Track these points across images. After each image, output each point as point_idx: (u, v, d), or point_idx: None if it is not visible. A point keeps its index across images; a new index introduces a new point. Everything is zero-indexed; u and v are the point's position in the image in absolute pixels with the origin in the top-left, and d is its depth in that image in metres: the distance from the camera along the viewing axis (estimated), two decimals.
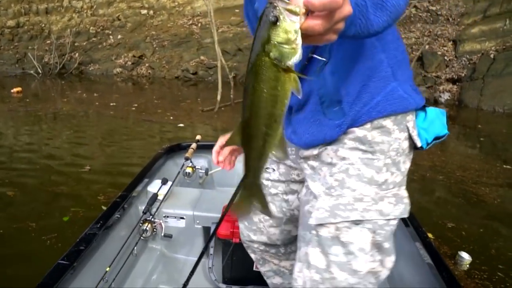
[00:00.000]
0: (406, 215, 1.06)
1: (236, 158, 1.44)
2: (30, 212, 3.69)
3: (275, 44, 0.63)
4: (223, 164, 1.41)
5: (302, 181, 1.28)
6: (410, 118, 1.07)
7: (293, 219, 1.39)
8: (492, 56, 10.28)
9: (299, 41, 0.63)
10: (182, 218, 2.22)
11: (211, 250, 2.12)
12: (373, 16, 0.77)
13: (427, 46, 11.24)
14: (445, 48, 11.29)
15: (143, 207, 2.13)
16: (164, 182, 2.28)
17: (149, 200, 2.14)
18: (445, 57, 11.02)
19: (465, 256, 2.95)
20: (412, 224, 1.84)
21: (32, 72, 14.50)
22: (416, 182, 4.64)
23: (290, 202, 1.37)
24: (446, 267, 1.52)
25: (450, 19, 12.19)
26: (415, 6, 12.54)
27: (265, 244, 1.50)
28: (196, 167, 2.65)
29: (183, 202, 2.28)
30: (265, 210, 0.92)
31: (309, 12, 0.62)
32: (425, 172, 4.93)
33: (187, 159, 2.56)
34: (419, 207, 3.82)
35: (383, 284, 1.88)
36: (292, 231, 1.43)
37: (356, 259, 1.03)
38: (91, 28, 16.52)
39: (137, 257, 2.12)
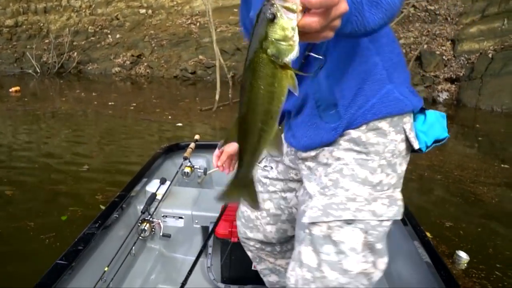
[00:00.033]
0: (399, 217, 1.07)
1: (235, 162, 1.47)
2: (28, 211, 3.69)
3: (273, 41, 0.64)
4: (222, 167, 1.55)
5: (300, 180, 1.29)
6: (407, 120, 1.07)
7: (290, 218, 1.40)
8: (490, 55, 10.30)
9: (296, 38, 0.63)
10: (180, 217, 2.22)
11: (210, 250, 2.13)
12: (369, 13, 0.78)
13: (425, 46, 11.26)
14: (444, 48, 11.31)
15: (142, 207, 2.13)
16: (163, 181, 2.29)
17: (148, 199, 2.15)
18: (444, 57, 11.03)
19: (463, 255, 2.96)
20: (410, 222, 1.85)
21: (30, 71, 14.47)
22: (414, 181, 4.66)
23: (288, 200, 1.39)
24: (444, 265, 1.53)
25: (449, 18, 12.21)
26: (413, 6, 12.55)
27: (261, 242, 1.51)
28: (195, 166, 2.65)
29: (182, 201, 2.28)
30: (254, 203, 0.94)
31: (306, 9, 0.63)
32: (423, 171, 4.94)
33: (185, 158, 2.56)
34: (417, 206, 3.83)
35: (382, 282, 1.89)
36: (289, 230, 1.44)
37: (347, 259, 1.03)
38: (90, 27, 16.50)
39: (136, 257, 2.12)
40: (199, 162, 2.80)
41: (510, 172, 5.15)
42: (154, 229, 2.16)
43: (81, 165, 5.03)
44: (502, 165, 5.40)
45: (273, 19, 0.62)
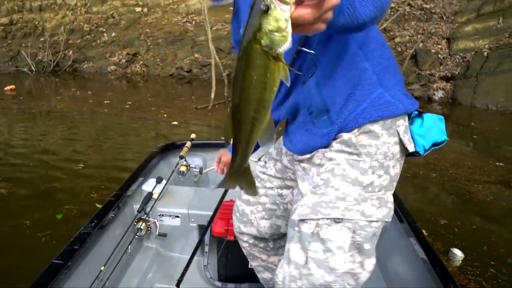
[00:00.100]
0: (388, 220, 1.08)
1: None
2: (24, 209, 3.68)
3: (266, 32, 0.65)
4: (222, 171, 1.71)
5: (296, 180, 1.30)
6: (401, 123, 1.08)
7: (285, 214, 1.42)
8: (485, 54, 10.33)
9: (290, 29, 0.64)
10: (177, 216, 2.22)
11: (206, 248, 2.13)
12: (359, 6, 0.80)
13: (421, 44, 11.29)
14: (439, 46, 11.34)
15: (138, 206, 2.13)
16: (159, 181, 2.29)
17: (144, 199, 2.15)
18: (439, 55, 11.07)
19: (458, 252, 2.98)
20: (406, 220, 1.86)
21: (25, 69, 14.41)
22: (409, 179, 4.67)
23: (284, 196, 1.41)
24: (440, 262, 1.54)
25: (444, 17, 12.24)
26: (409, 4, 12.58)
27: (254, 237, 1.53)
28: (191, 165, 2.65)
29: (178, 200, 2.28)
30: (251, 190, 0.96)
31: (299, 1, 0.65)
32: (418, 169, 4.96)
33: (181, 157, 2.56)
34: (412, 204, 3.84)
35: (378, 278, 1.90)
36: (282, 227, 1.46)
37: (334, 257, 1.04)
38: (85, 25, 16.43)
39: (132, 256, 2.12)
40: (195, 161, 2.80)
41: (505, 170, 5.18)
42: (150, 228, 2.16)
43: (76, 164, 5.02)
44: (497, 163, 5.43)
45: (266, 10, 0.63)
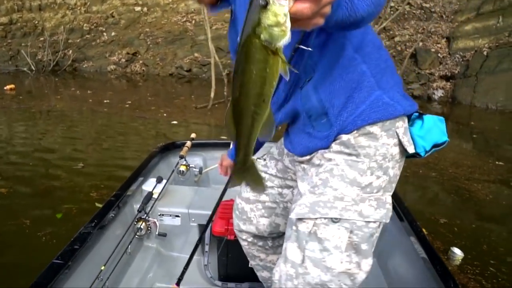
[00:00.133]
0: (386, 221, 1.08)
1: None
2: (24, 209, 3.69)
3: (265, 27, 0.65)
4: (226, 173, 1.76)
5: (297, 180, 1.31)
6: (400, 124, 1.09)
7: (285, 213, 1.43)
8: (485, 53, 10.34)
9: (288, 24, 0.65)
10: (177, 216, 2.22)
11: (207, 247, 2.14)
12: (357, 0, 0.81)
13: (420, 43, 11.29)
14: (439, 45, 11.34)
15: (138, 206, 2.13)
16: (159, 180, 2.29)
17: (144, 198, 2.15)
18: (439, 54, 11.07)
19: (457, 251, 2.98)
20: (406, 218, 1.86)
21: (25, 69, 14.39)
22: (409, 178, 4.68)
23: (284, 195, 1.42)
24: (440, 261, 1.54)
25: (444, 16, 12.24)
26: (408, 3, 12.58)
27: (253, 235, 1.54)
28: (190, 165, 2.65)
29: (178, 200, 2.29)
30: (258, 186, 0.98)
31: None
32: (418, 168, 4.96)
33: (181, 157, 2.56)
34: (412, 203, 3.84)
35: (379, 277, 1.91)
36: (281, 226, 1.46)
37: (330, 256, 1.05)
38: (85, 25, 16.41)
39: (132, 255, 2.13)
40: (196, 160, 2.80)
41: (504, 169, 5.18)
42: (150, 227, 2.17)
43: (76, 162, 5.02)
44: (497, 162, 5.43)
45: (265, 5, 0.64)
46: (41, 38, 15.88)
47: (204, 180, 2.86)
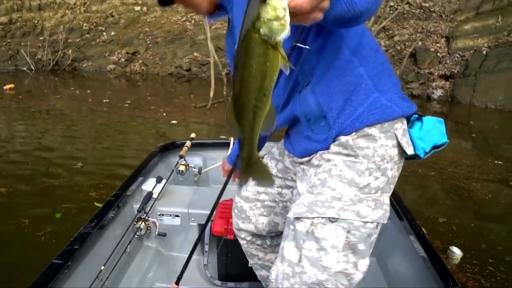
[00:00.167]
0: (384, 221, 1.09)
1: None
2: (23, 208, 3.69)
3: (265, 21, 0.66)
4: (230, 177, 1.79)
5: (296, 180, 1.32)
6: (399, 126, 1.09)
7: (284, 212, 1.44)
8: (484, 52, 10.34)
9: (288, 18, 0.66)
10: (177, 216, 2.23)
11: (206, 247, 2.14)
12: None
13: (420, 43, 11.29)
14: (438, 45, 11.34)
15: (138, 206, 2.14)
16: (159, 180, 2.29)
17: (144, 198, 2.16)
18: (438, 54, 11.07)
19: (456, 251, 2.99)
20: (406, 217, 1.87)
21: (25, 68, 14.38)
22: (408, 177, 4.68)
23: (283, 195, 1.43)
24: (439, 260, 1.55)
25: (443, 15, 12.24)
26: (408, 3, 12.58)
27: (252, 234, 1.54)
28: (190, 165, 2.65)
29: (178, 200, 2.29)
30: (267, 181, 0.99)
31: None
32: (417, 168, 4.97)
33: (181, 157, 2.56)
34: (411, 202, 3.85)
35: (378, 276, 1.91)
36: (280, 225, 1.47)
37: (327, 256, 1.05)
38: (84, 24, 16.39)
39: (132, 255, 2.13)
40: (195, 160, 2.80)
41: (504, 168, 5.19)
42: (150, 227, 2.17)
43: (75, 161, 5.02)
44: (496, 162, 5.44)
45: (265, 0, 0.64)
46: (41, 38, 15.86)
47: (203, 180, 2.86)
